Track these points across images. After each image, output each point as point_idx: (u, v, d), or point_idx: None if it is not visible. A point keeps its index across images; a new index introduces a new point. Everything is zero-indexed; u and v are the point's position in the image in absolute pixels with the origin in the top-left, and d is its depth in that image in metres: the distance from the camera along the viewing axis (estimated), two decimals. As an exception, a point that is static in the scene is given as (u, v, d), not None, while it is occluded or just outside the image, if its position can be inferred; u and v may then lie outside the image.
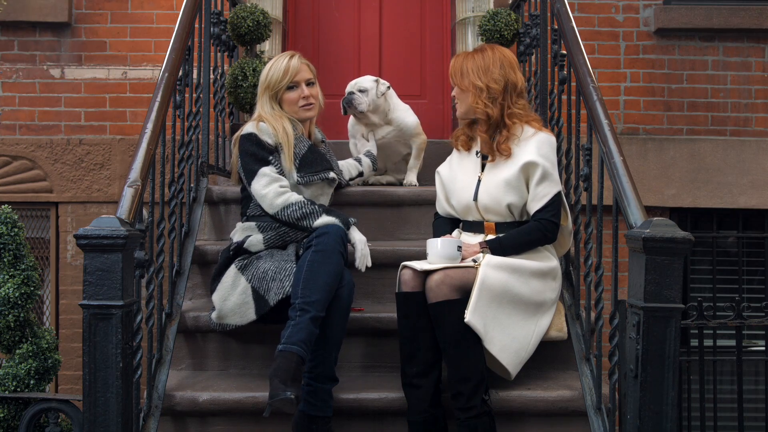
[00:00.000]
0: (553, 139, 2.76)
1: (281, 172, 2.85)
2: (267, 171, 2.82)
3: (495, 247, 2.66)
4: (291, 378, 2.35)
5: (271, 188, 2.79)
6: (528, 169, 2.67)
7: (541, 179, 2.66)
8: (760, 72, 4.39)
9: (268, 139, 2.87)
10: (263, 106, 2.97)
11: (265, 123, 2.90)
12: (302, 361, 2.41)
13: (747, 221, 4.37)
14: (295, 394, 2.31)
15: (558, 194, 2.68)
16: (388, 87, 3.59)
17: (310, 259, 2.56)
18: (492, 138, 2.76)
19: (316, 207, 2.77)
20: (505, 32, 3.84)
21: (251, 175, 2.83)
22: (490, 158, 2.75)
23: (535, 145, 2.68)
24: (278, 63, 2.97)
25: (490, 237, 2.73)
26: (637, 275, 2.17)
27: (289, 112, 2.97)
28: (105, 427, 2.13)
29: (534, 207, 2.68)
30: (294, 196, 2.79)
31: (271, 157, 2.85)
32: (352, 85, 3.58)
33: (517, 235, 2.69)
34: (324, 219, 2.73)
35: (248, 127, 2.91)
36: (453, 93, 2.86)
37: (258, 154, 2.84)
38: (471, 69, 2.77)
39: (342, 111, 3.60)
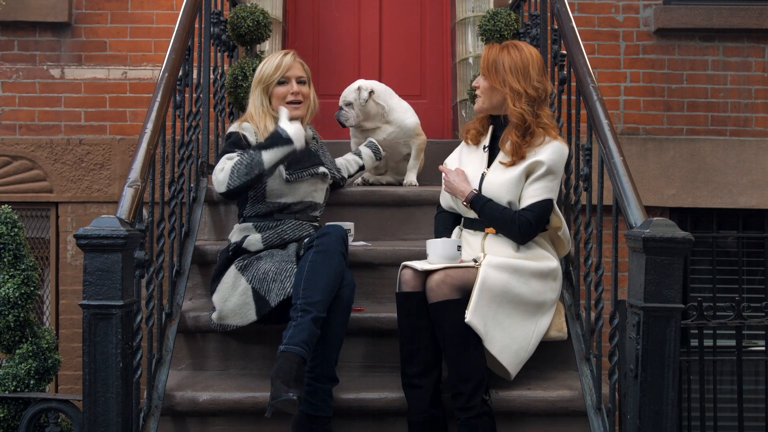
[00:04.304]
0: (565, 149, 2.69)
1: None
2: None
3: (476, 202, 2.68)
4: (293, 379, 2.34)
5: (216, 172, 2.75)
6: (531, 167, 2.64)
7: (538, 179, 2.63)
8: (760, 72, 4.39)
9: (250, 137, 2.87)
10: (254, 101, 2.97)
11: (249, 123, 2.91)
12: (304, 362, 2.41)
13: (747, 221, 4.37)
14: (297, 395, 2.31)
15: (548, 201, 2.64)
16: (371, 92, 3.53)
17: (312, 260, 2.56)
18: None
19: (251, 151, 2.72)
20: (505, 32, 3.84)
21: None
22: (509, 161, 2.68)
23: (546, 151, 2.65)
24: (272, 58, 2.99)
25: (490, 232, 2.72)
26: (637, 275, 2.17)
27: (277, 108, 2.95)
28: (105, 427, 2.13)
29: (521, 204, 2.65)
30: (230, 162, 2.74)
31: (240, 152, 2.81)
32: (341, 99, 3.58)
33: (500, 210, 2.65)
34: (269, 152, 2.70)
35: (232, 126, 2.94)
36: (476, 84, 2.78)
37: (227, 150, 2.83)
38: (508, 67, 2.68)
39: (341, 125, 3.61)
